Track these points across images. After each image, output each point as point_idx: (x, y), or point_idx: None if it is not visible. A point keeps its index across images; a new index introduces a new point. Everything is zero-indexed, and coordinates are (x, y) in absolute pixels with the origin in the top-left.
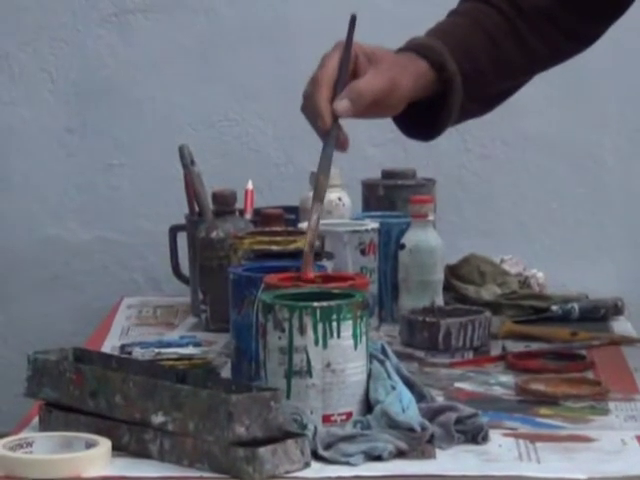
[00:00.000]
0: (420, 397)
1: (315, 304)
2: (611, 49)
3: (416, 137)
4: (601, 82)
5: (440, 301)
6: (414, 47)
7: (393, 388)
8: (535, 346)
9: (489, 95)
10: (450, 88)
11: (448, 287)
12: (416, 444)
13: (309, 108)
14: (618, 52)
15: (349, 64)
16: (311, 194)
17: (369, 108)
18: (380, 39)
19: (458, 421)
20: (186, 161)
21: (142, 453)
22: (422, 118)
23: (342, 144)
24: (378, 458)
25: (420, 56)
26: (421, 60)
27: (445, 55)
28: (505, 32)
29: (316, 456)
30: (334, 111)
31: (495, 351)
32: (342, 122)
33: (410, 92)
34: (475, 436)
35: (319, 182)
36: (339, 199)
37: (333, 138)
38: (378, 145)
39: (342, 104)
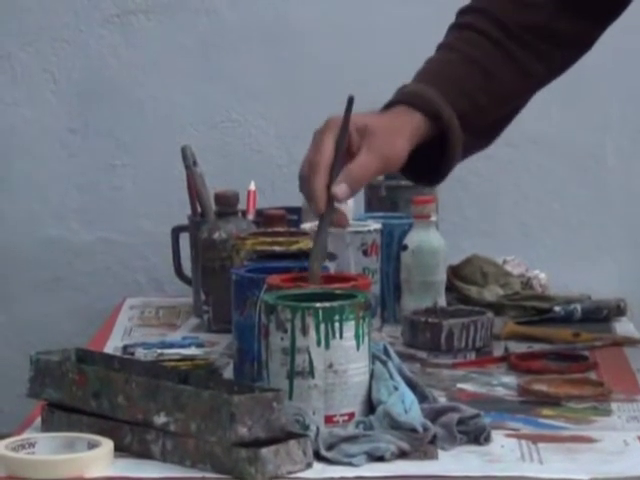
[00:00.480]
0: (422, 398)
1: (317, 305)
2: (612, 50)
3: (422, 182)
4: (602, 83)
5: (442, 302)
6: (406, 99)
7: (395, 389)
8: (537, 347)
9: (489, 127)
10: (449, 134)
11: (450, 288)
12: (418, 445)
13: (305, 191)
14: (619, 53)
15: (344, 146)
16: None
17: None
18: (380, 40)
19: (460, 422)
20: (188, 162)
21: (144, 454)
22: (426, 163)
23: (341, 222)
24: (380, 459)
25: (413, 108)
26: (415, 112)
27: (438, 102)
28: (498, 60)
29: (318, 457)
30: (334, 196)
31: (497, 352)
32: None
33: (407, 150)
34: (477, 437)
35: (313, 271)
36: None
37: (327, 222)
38: None
39: (341, 189)
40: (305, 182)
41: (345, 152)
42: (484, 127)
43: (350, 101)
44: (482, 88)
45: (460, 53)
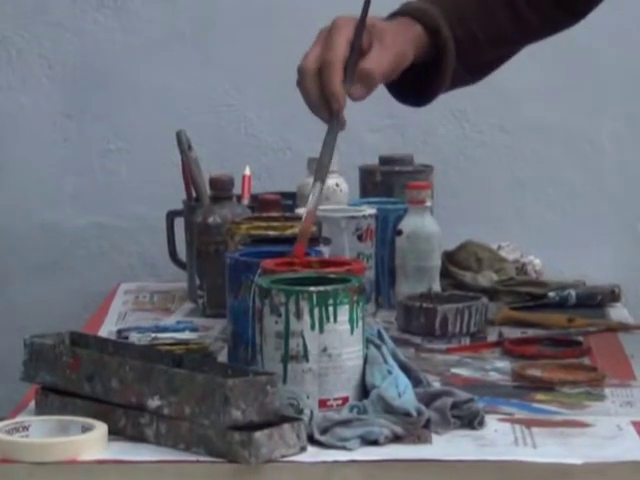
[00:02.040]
0: (416, 382)
1: (312, 289)
2: (608, 35)
3: (408, 102)
4: (599, 69)
5: (437, 287)
6: (408, 11)
7: (389, 373)
8: (532, 332)
9: (480, 63)
10: (444, 53)
11: (445, 273)
12: (412, 429)
13: (314, 89)
14: (616, 38)
15: (361, 44)
16: (308, 179)
17: None
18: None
19: (454, 406)
20: (183, 146)
21: (138, 437)
22: (415, 83)
23: (342, 124)
24: (374, 443)
25: (414, 20)
26: (416, 24)
27: (439, 20)
28: (500, 1)
29: (312, 440)
30: (351, 96)
31: (492, 337)
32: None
33: (412, 53)
34: (471, 421)
35: (322, 163)
36: (337, 185)
37: (339, 121)
38: (376, 131)
39: (356, 89)
40: (309, 78)
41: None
42: (475, 62)
43: (367, 1)
44: (479, 19)
45: None
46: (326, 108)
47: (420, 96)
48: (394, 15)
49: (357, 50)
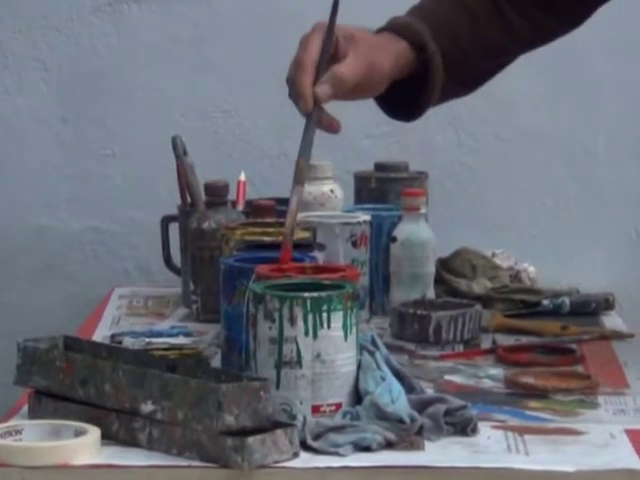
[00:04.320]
0: (410, 389)
1: (305, 295)
2: (603, 43)
3: (398, 117)
4: (594, 76)
5: (431, 294)
6: (394, 27)
7: (383, 379)
8: (525, 340)
9: (471, 75)
10: (430, 68)
11: (439, 280)
12: (405, 435)
13: (292, 91)
14: (610, 46)
15: (331, 47)
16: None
17: (350, 91)
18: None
19: (447, 413)
20: (179, 152)
21: (131, 442)
22: (404, 98)
23: (333, 126)
24: (367, 449)
25: (400, 36)
26: (401, 40)
27: (425, 35)
28: (489, 12)
29: (305, 446)
30: (315, 96)
31: (485, 344)
32: (335, 109)
33: (390, 72)
34: (464, 428)
35: (299, 165)
36: (331, 191)
37: (314, 121)
38: (371, 137)
39: (323, 89)
40: (291, 82)
41: (331, 56)
42: (466, 74)
43: (335, 4)
44: (468, 32)
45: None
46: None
47: (410, 111)
48: (381, 30)
49: (327, 51)
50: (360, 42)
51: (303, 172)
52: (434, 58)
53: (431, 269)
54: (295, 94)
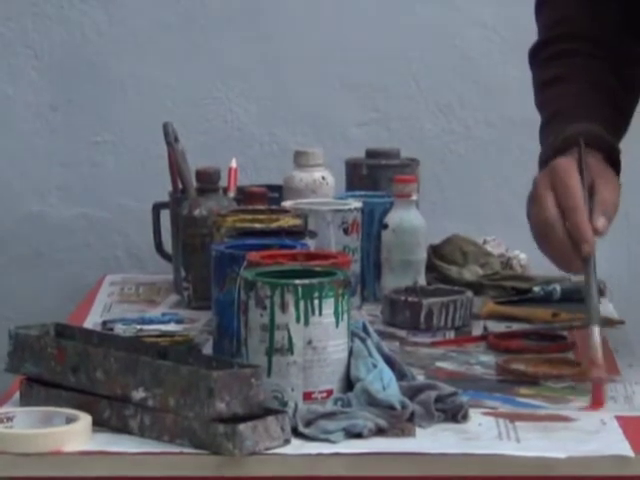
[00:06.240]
0: (401, 375)
1: (297, 281)
2: None
3: None
4: None
5: (422, 281)
6: (588, 139)
7: (374, 366)
8: (516, 326)
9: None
10: (618, 165)
11: (431, 267)
12: (396, 422)
13: (566, 239)
14: None
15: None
16: (294, 172)
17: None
18: (365, 20)
19: (438, 400)
20: (170, 139)
21: (123, 428)
22: None
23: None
24: (358, 435)
25: (596, 150)
26: (597, 153)
27: (611, 140)
28: (615, 79)
29: (296, 433)
30: (596, 230)
31: (476, 331)
32: (324, 96)
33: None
34: (455, 415)
35: (593, 306)
36: (323, 178)
37: (594, 262)
38: (362, 125)
39: (601, 221)
40: (560, 229)
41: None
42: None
43: (581, 145)
44: (616, 112)
45: (588, 83)
46: (578, 254)
47: None
48: (567, 142)
49: (586, 189)
50: (597, 169)
51: (598, 310)
52: (619, 159)
53: (422, 256)
54: (577, 238)
